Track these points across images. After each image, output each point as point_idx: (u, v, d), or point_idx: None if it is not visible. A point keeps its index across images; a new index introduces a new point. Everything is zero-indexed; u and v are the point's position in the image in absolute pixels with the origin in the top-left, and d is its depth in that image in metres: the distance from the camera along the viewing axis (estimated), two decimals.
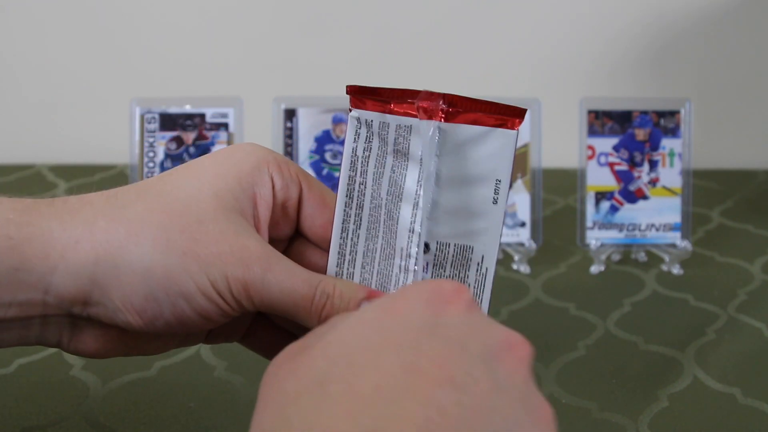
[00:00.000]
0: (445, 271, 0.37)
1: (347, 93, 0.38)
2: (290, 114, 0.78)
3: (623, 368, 0.61)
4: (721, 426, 0.54)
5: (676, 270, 0.76)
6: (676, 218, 0.78)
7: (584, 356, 0.63)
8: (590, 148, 0.77)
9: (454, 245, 0.37)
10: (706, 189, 0.96)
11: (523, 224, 0.78)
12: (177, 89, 0.94)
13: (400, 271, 0.38)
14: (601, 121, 0.77)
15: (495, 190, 0.36)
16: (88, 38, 1.09)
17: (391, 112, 0.37)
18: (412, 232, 0.37)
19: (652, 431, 0.54)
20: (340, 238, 0.39)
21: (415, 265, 0.37)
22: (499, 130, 0.36)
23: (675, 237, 0.78)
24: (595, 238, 0.77)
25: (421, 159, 0.36)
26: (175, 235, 0.36)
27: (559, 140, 0.87)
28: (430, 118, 0.36)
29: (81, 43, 1.09)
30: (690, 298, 0.72)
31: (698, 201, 0.87)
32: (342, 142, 0.78)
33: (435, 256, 0.37)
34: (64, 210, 0.37)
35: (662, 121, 0.77)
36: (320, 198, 0.41)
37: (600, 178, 0.78)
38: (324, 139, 0.78)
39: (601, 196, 0.78)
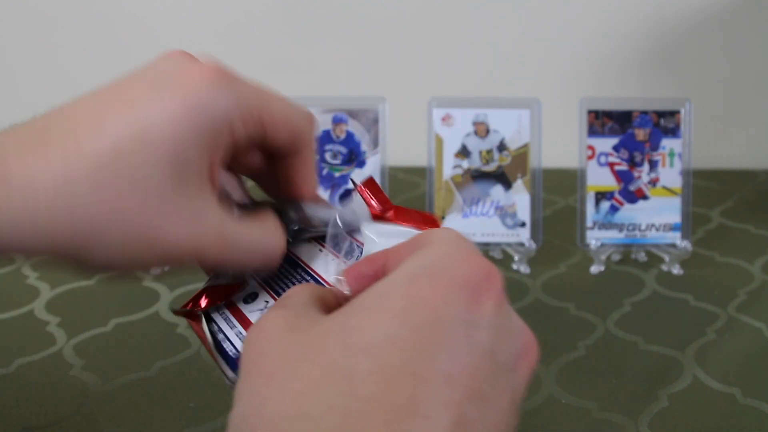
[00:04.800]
0: None
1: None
2: None
3: (623, 368, 0.61)
4: (721, 426, 0.54)
5: (676, 270, 0.76)
6: (676, 218, 0.78)
7: (584, 356, 0.63)
8: (590, 148, 0.77)
9: None
10: (706, 189, 0.96)
11: (523, 224, 0.78)
12: None
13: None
14: (601, 121, 0.77)
15: None
16: (87, 38, 1.09)
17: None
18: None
19: (652, 431, 0.54)
20: None
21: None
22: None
23: (675, 237, 0.78)
24: (595, 238, 0.77)
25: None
26: (130, 215, 0.33)
27: (559, 140, 0.87)
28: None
29: (81, 43, 1.09)
30: (690, 298, 0.72)
31: (698, 201, 0.87)
32: (342, 143, 0.78)
33: None
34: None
35: (662, 121, 0.77)
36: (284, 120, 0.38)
37: (600, 178, 0.78)
38: (324, 139, 0.78)
39: (601, 196, 0.78)
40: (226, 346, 0.39)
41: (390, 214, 0.42)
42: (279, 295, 0.42)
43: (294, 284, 0.41)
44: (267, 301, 0.41)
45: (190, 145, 0.34)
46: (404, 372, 0.27)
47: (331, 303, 0.34)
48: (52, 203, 0.32)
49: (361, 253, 0.40)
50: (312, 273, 0.42)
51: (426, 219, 0.41)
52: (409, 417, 0.26)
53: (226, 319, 0.41)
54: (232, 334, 0.40)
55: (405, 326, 0.28)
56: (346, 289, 0.34)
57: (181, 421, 0.54)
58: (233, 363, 0.38)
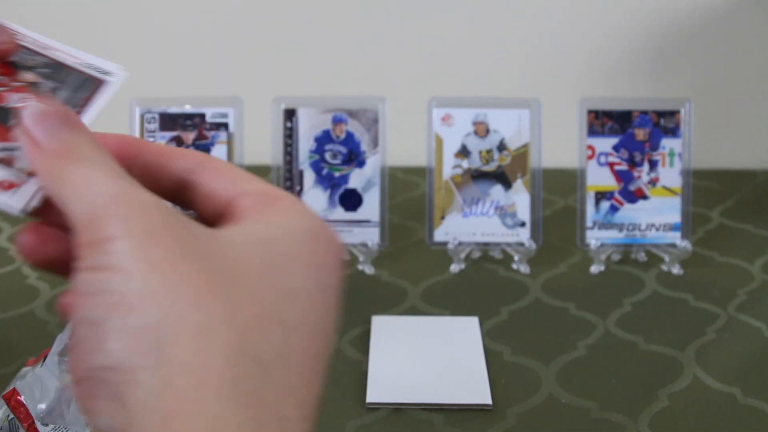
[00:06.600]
0: None
1: None
2: (290, 114, 0.78)
3: (623, 368, 0.61)
4: (721, 426, 0.54)
5: (676, 270, 0.76)
6: (676, 218, 0.78)
7: (584, 356, 0.63)
8: (590, 148, 0.77)
9: None
10: (706, 189, 0.96)
11: (523, 224, 0.78)
12: (177, 89, 0.94)
13: None
14: (601, 121, 0.77)
15: None
16: (87, 37, 1.09)
17: None
18: None
19: (652, 431, 0.54)
20: None
21: None
22: None
23: (675, 237, 0.78)
24: (595, 238, 0.77)
25: None
26: None
27: (559, 140, 0.87)
28: None
29: (80, 43, 1.09)
30: (690, 298, 0.72)
31: (698, 201, 0.87)
32: (342, 142, 0.78)
33: None
34: None
35: (662, 121, 0.77)
36: None
37: (600, 178, 0.78)
38: (324, 139, 0.78)
39: (601, 196, 0.78)
40: None
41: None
42: None
43: None
44: None
45: None
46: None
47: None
48: None
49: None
50: None
51: None
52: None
53: None
54: None
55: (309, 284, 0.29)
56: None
57: None
58: None
